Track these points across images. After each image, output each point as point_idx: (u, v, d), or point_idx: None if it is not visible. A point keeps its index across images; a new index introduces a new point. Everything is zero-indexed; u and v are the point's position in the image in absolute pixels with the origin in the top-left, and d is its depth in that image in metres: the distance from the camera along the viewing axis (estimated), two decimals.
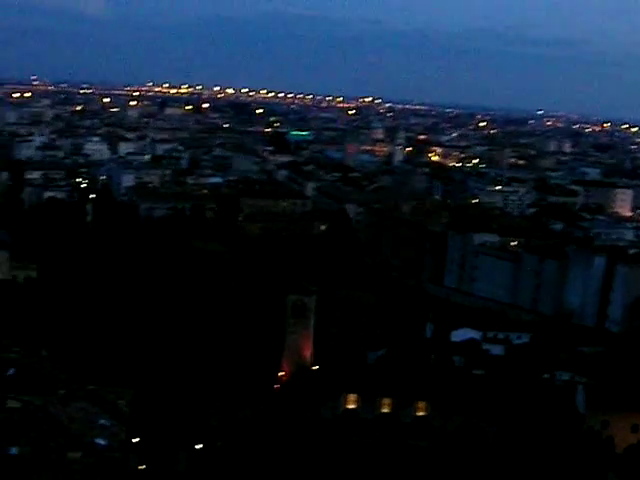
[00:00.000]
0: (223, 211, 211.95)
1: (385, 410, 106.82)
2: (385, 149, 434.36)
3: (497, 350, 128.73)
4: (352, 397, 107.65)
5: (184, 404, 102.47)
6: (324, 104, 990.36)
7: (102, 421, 76.39)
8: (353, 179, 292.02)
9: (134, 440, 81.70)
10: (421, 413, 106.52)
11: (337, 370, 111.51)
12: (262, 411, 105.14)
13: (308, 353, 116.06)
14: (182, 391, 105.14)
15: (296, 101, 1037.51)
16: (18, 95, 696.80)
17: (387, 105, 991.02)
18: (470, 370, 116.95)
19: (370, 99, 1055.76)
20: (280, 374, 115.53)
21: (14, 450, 67.09)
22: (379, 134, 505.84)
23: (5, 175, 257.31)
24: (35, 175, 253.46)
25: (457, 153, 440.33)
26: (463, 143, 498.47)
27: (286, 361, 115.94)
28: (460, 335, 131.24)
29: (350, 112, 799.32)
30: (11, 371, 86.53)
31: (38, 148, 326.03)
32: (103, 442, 72.42)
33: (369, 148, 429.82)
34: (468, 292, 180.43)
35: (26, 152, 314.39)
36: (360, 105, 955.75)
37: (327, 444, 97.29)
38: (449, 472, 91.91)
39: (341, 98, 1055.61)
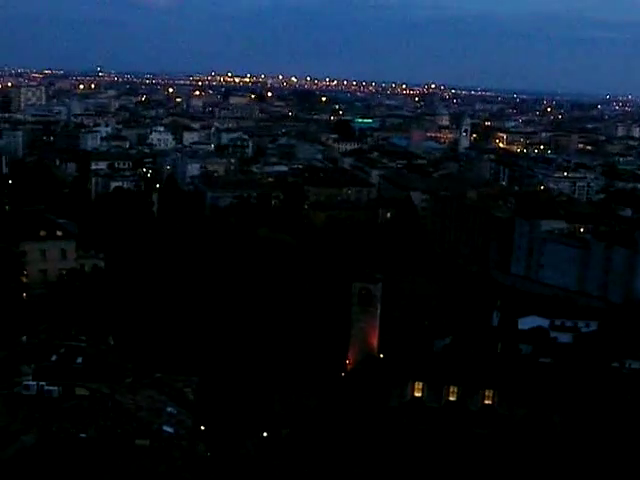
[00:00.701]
0: (288, 199, 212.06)
1: (452, 398, 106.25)
2: (450, 136, 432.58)
3: (565, 338, 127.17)
4: (418, 385, 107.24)
5: (250, 392, 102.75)
6: (389, 91, 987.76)
7: (169, 409, 76.62)
8: (418, 166, 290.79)
9: (201, 428, 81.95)
10: (488, 401, 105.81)
11: (403, 358, 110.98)
12: (328, 399, 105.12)
13: (374, 341, 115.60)
14: (248, 379, 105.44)
15: (360, 88, 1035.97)
16: (83, 87, 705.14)
17: (452, 91, 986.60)
18: (537, 358, 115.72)
19: (435, 86, 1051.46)
20: (346, 362, 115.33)
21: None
22: (444, 121, 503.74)
23: (72, 166, 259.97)
24: (101, 165, 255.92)
25: (523, 139, 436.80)
26: (529, 129, 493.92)
27: (352, 349, 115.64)
28: (527, 323, 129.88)
29: (415, 99, 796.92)
30: (79, 359, 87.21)
31: (104, 139, 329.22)
32: (170, 430, 72.64)
33: (434, 135, 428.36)
34: (535, 279, 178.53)
35: (92, 143, 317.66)
36: (425, 92, 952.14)
37: (393, 432, 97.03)
38: (515, 461, 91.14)
39: (405, 85, 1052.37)
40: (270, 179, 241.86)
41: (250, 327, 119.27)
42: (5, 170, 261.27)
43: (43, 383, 75.88)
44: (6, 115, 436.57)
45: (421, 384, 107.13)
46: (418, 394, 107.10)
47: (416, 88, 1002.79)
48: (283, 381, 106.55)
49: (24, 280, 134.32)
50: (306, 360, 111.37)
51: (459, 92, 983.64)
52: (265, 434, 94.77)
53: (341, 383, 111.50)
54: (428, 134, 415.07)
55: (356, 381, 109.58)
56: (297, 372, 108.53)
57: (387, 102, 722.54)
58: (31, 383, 76.24)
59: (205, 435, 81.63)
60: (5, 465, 60.04)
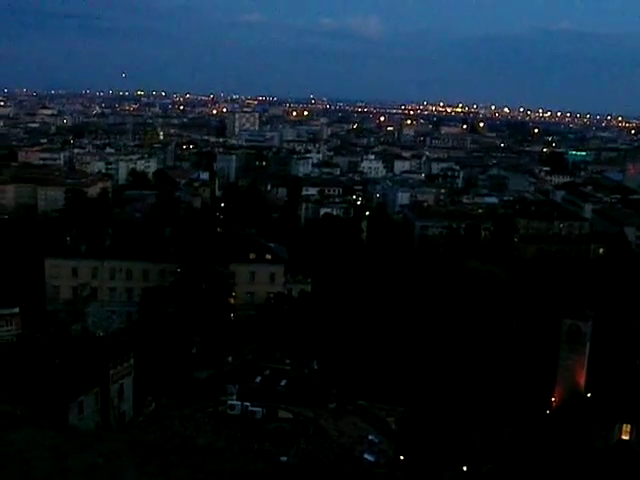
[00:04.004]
0: (498, 231, 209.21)
1: None
2: None
3: None
4: (627, 428, 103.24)
5: (452, 424, 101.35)
6: (603, 123, 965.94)
7: (371, 437, 76.32)
8: (634, 201, 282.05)
9: (400, 457, 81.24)
10: None
11: (612, 399, 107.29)
12: (532, 436, 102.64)
13: (582, 380, 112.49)
14: (450, 410, 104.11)
15: (574, 120, 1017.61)
16: (296, 113, 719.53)
17: None
18: None
19: None
20: (552, 400, 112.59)
21: (283, 460, 67.89)
22: None
23: (283, 191, 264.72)
24: (311, 191, 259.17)
25: None
26: None
27: (558, 387, 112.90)
28: None
29: (632, 132, 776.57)
30: (283, 382, 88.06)
31: (315, 165, 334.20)
32: (371, 458, 72.28)
33: None
34: None
35: (303, 169, 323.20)
36: None
37: (599, 475, 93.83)
38: None
39: (621, 117, 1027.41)
40: (480, 210, 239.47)
41: (455, 358, 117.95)
42: (218, 193, 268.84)
43: (247, 403, 76.95)
44: (221, 140, 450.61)
45: (629, 426, 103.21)
46: (626, 437, 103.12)
47: (633, 121, 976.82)
48: (486, 415, 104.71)
49: (232, 301, 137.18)
50: (510, 395, 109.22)
51: None
52: (465, 468, 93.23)
53: (545, 421, 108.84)
54: None
55: (561, 420, 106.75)
56: (500, 407, 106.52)
57: (602, 134, 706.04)
58: (236, 403, 77.47)
59: (404, 465, 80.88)
60: None
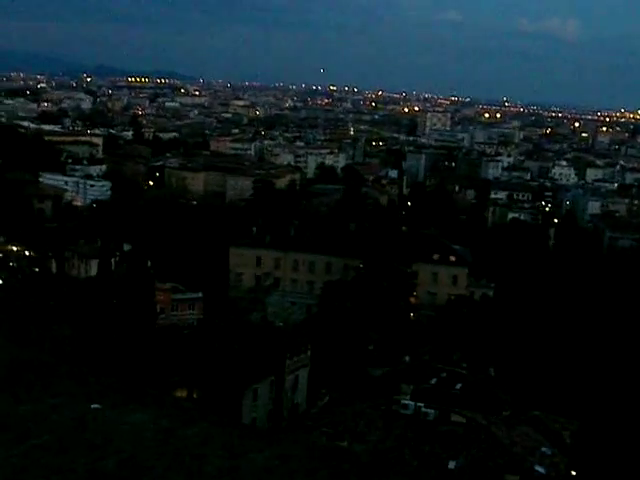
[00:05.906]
0: None
1: None
2: None
3: None
4: None
5: (631, 444, 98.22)
6: None
7: (544, 449, 74.72)
8: None
9: (572, 473, 79.26)
10: None
11: None
12: None
13: None
14: (630, 430, 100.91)
15: None
16: (489, 115, 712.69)
17: None
18: None
19: None
20: None
21: (452, 464, 67.15)
22: None
23: (471, 193, 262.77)
24: (500, 195, 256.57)
25: None
26: None
27: None
28: None
29: None
30: (458, 386, 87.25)
31: (505, 168, 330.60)
32: (542, 470, 70.80)
33: None
34: None
35: (493, 172, 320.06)
36: None
37: None
38: None
39: None
40: None
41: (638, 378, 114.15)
42: (405, 191, 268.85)
43: (421, 404, 76.54)
44: (411, 138, 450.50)
45: None
46: None
47: None
48: None
49: (413, 301, 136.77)
50: None
51: None
52: None
53: None
54: None
55: None
56: None
57: None
58: (409, 403, 77.18)
59: None
60: None
